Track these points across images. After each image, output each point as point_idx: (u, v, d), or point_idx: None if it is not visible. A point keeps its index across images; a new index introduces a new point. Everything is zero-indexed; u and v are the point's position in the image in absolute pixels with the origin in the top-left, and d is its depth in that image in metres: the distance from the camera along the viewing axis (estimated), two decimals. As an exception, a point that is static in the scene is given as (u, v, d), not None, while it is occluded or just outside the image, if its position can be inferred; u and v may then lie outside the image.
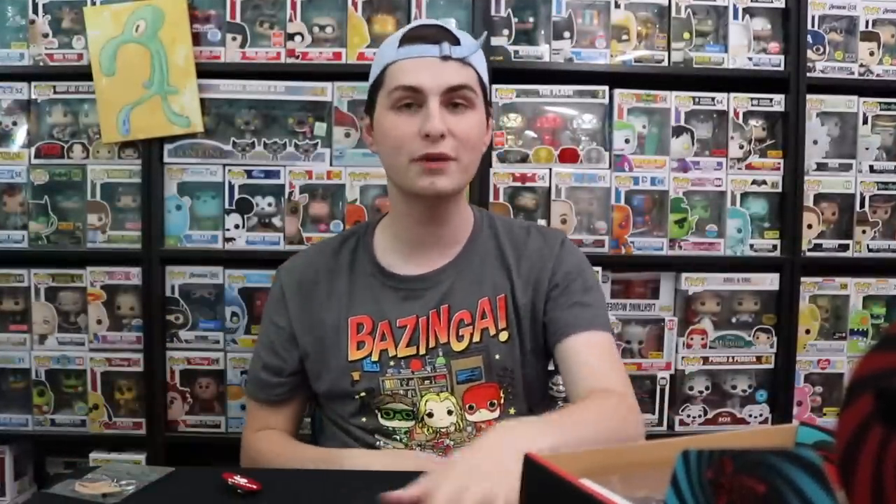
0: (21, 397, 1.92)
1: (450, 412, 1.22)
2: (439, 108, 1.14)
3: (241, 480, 0.80)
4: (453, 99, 1.16)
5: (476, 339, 1.23)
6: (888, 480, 0.32)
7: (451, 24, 1.29)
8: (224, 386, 1.91)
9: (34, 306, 1.91)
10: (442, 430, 1.22)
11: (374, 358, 1.23)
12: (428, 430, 1.22)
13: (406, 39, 1.19)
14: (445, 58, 1.15)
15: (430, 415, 1.22)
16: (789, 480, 0.32)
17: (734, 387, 1.97)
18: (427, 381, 1.22)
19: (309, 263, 1.32)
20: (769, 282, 1.94)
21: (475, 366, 1.23)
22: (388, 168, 1.23)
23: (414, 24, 1.26)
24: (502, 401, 1.24)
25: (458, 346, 1.23)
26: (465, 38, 1.21)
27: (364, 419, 1.24)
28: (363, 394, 1.23)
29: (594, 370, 1.18)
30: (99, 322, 1.91)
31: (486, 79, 1.24)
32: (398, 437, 1.23)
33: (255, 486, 0.80)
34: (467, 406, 1.23)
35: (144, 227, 1.90)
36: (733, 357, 1.95)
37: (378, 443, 1.24)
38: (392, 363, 1.23)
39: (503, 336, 1.24)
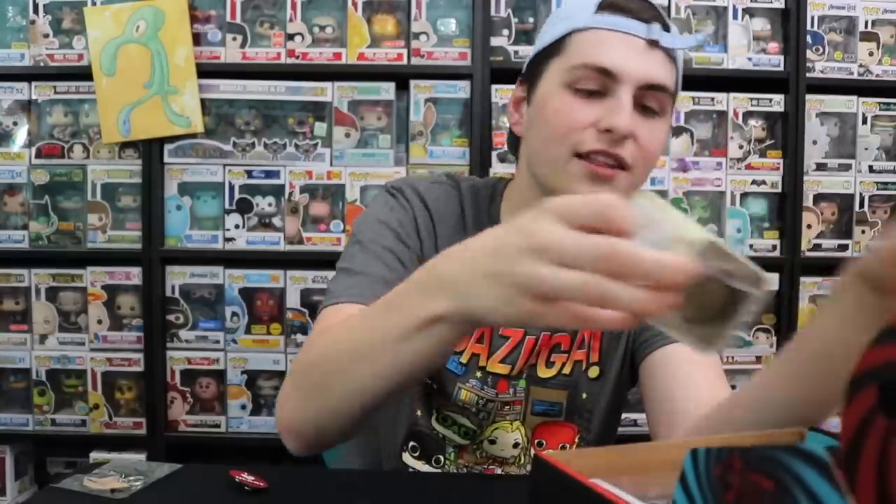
0: (21, 397, 1.93)
1: (516, 444, 1.02)
2: (631, 103, 0.88)
3: (248, 478, 0.80)
4: (646, 100, 0.89)
5: (566, 370, 1.02)
6: (892, 472, 0.32)
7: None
8: (224, 386, 1.91)
9: (35, 306, 1.91)
10: (499, 458, 1.02)
11: (464, 359, 1.00)
12: (482, 454, 1.03)
13: (608, 6, 0.90)
14: (653, 43, 0.88)
15: (493, 441, 1.02)
16: (797, 477, 0.32)
17: (734, 387, 1.96)
18: (507, 407, 1.01)
19: (439, 199, 1.02)
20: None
21: (557, 400, 1.02)
22: (536, 157, 0.95)
23: None
24: (574, 447, 1.04)
25: (544, 373, 1.01)
26: (673, 26, 0.94)
27: (419, 413, 1.02)
28: (435, 386, 1.00)
29: (699, 386, 0.91)
30: (99, 322, 1.91)
31: (680, 84, 0.97)
32: (447, 450, 1.03)
33: (261, 484, 0.80)
34: (536, 441, 1.03)
35: (144, 227, 1.90)
36: (733, 357, 1.95)
37: (405, 451, 1.03)
38: (479, 374, 1.00)
39: (593, 372, 1.03)
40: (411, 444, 1.03)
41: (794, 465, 0.32)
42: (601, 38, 0.89)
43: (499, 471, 1.03)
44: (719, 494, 0.37)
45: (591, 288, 0.51)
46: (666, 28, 0.91)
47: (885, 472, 0.32)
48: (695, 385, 0.92)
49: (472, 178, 1.08)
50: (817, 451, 0.31)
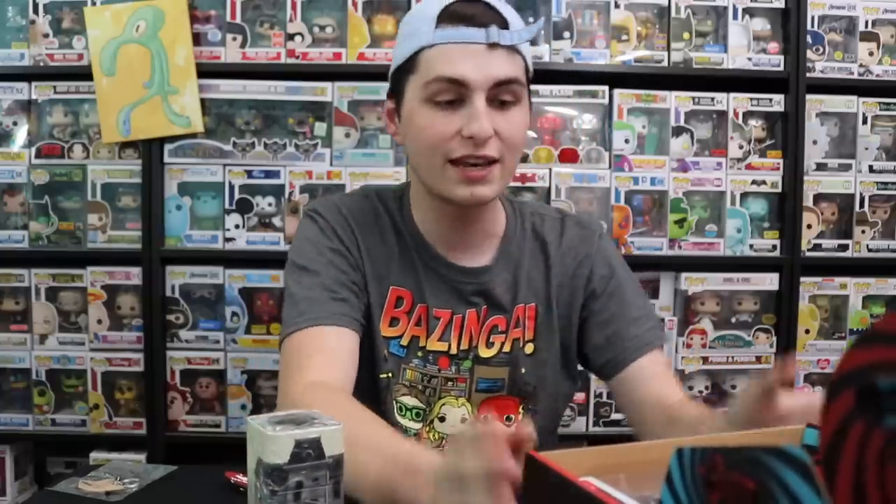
0: (21, 397, 1.93)
1: (464, 419, 1.11)
2: (485, 106, 0.99)
3: (243, 479, 0.81)
4: (500, 95, 1.01)
5: (506, 348, 1.13)
6: (869, 475, 0.33)
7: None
8: (224, 386, 1.91)
9: (35, 306, 1.92)
10: (450, 435, 1.11)
11: (404, 342, 1.11)
12: (436, 434, 1.12)
13: (446, 18, 1.00)
14: (493, 45, 0.98)
15: (442, 419, 1.12)
16: (777, 477, 0.32)
17: (734, 387, 1.97)
18: (450, 383, 1.11)
19: (354, 208, 1.14)
20: (769, 282, 1.94)
21: (499, 377, 1.13)
22: (417, 166, 1.07)
23: None
24: (520, 417, 1.14)
25: (485, 353, 1.12)
26: (513, 18, 1.03)
27: (378, 407, 1.10)
28: (389, 374, 1.11)
29: (669, 390, 1.08)
30: (99, 322, 1.91)
31: (531, 67, 1.07)
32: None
33: (255, 485, 0.80)
34: (482, 416, 1.11)
35: (145, 227, 1.90)
36: (733, 357, 1.95)
37: None
38: (420, 353, 1.11)
39: (529, 348, 1.14)
40: None
41: (774, 466, 0.32)
42: (445, 52, 0.99)
43: None
44: (704, 494, 0.37)
45: None
46: (505, 24, 1.00)
47: (861, 475, 0.32)
48: (671, 390, 1.09)
49: (380, 186, 1.24)
50: (797, 453, 0.31)
